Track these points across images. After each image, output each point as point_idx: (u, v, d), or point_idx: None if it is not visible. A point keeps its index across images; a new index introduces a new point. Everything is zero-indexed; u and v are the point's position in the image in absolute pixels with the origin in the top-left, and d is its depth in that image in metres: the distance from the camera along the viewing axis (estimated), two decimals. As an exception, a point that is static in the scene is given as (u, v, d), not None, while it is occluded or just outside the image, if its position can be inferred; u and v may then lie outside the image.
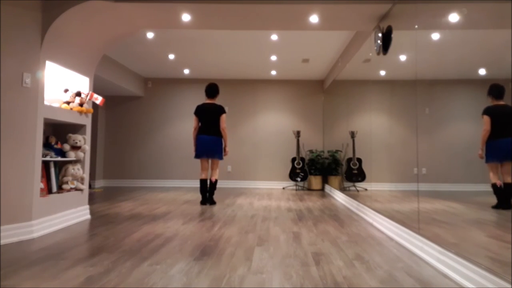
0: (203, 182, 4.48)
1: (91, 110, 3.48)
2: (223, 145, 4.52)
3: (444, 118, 2.08)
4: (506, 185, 1.75)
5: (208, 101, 4.54)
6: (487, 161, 1.99)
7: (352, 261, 2.16)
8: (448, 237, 1.99)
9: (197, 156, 4.43)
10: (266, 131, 7.08)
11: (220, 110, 4.47)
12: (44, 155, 2.96)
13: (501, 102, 1.80)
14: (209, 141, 4.38)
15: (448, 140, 2.04)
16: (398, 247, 2.50)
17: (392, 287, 1.74)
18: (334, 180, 5.88)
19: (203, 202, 4.52)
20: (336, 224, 3.31)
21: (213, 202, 4.53)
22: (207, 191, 4.49)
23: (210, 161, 4.54)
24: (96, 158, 6.78)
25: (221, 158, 4.48)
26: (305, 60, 5.77)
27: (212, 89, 4.53)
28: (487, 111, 1.94)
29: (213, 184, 4.49)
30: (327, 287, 1.73)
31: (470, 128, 1.82)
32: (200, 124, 4.49)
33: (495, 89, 1.86)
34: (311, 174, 6.62)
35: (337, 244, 2.57)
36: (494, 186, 1.97)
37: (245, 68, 6.37)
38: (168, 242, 2.56)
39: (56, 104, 3.22)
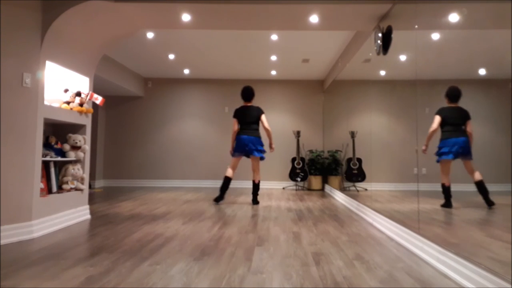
0: (228, 179, 4.55)
1: (91, 110, 3.48)
2: (269, 143, 4.74)
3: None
4: (477, 183, 1.79)
5: (245, 104, 4.72)
6: (438, 160, 2.07)
7: (352, 261, 2.16)
8: (448, 237, 1.99)
9: (235, 153, 4.58)
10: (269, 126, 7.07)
11: (260, 111, 4.67)
12: (44, 155, 2.96)
13: (455, 104, 1.88)
14: (249, 140, 4.53)
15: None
16: (398, 247, 2.50)
17: (392, 287, 1.74)
18: (334, 180, 5.88)
19: (219, 199, 4.55)
20: (336, 224, 3.31)
21: (257, 202, 4.63)
22: (227, 190, 4.55)
23: (251, 162, 4.65)
24: (96, 158, 6.78)
25: (260, 156, 4.58)
26: (305, 60, 5.77)
27: (249, 93, 4.70)
28: (438, 111, 2.04)
29: (257, 185, 4.63)
30: (327, 287, 1.73)
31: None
32: (239, 125, 4.65)
33: (451, 92, 1.95)
34: (311, 174, 6.62)
35: (337, 244, 2.57)
36: (443, 186, 2.04)
37: (245, 68, 6.36)
38: (168, 242, 2.56)
39: (56, 104, 3.22)
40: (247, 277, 1.86)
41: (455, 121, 1.94)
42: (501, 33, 1.55)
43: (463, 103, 1.87)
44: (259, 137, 4.60)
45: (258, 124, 4.65)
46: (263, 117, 4.66)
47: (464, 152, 1.87)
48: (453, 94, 1.96)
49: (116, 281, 1.77)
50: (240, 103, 7.12)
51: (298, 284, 1.77)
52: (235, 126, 4.65)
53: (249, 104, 4.71)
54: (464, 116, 1.84)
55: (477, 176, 1.77)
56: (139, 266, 2.01)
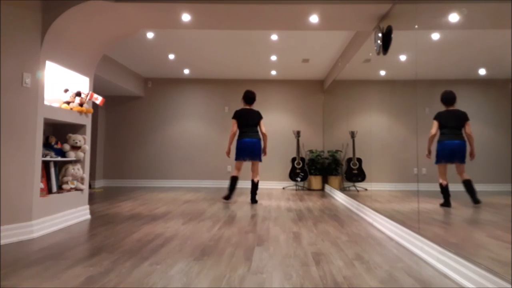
0: (235, 179, 4.64)
1: (91, 110, 3.48)
2: (263, 147, 4.82)
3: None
4: (465, 181, 1.83)
5: (246, 106, 4.79)
6: (436, 162, 2.11)
7: (352, 261, 2.16)
8: (448, 237, 1.99)
9: (238, 158, 4.63)
10: (266, 131, 7.07)
11: (260, 115, 4.77)
12: (44, 155, 2.96)
13: (451, 108, 1.93)
14: (252, 144, 4.61)
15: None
16: (398, 247, 2.50)
17: (392, 287, 1.74)
18: (334, 180, 5.88)
19: (228, 197, 4.68)
20: (336, 224, 3.31)
21: (255, 201, 4.71)
22: (235, 189, 4.64)
23: (251, 163, 4.76)
24: (96, 158, 6.78)
25: (261, 160, 4.72)
26: (305, 60, 5.77)
27: (252, 97, 4.79)
28: (436, 116, 2.10)
29: (256, 185, 4.71)
30: (327, 287, 1.73)
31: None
32: (239, 128, 4.71)
33: (445, 96, 2.01)
34: (311, 174, 6.62)
35: (337, 244, 2.57)
36: (441, 186, 2.08)
37: (245, 68, 6.36)
38: (168, 242, 2.56)
39: (56, 104, 3.22)
40: (247, 277, 1.86)
41: (450, 124, 1.99)
42: (501, 33, 1.55)
43: (463, 103, 1.87)
44: (260, 139, 4.70)
45: (257, 127, 4.74)
46: (262, 122, 4.78)
47: (457, 155, 1.91)
48: (448, 98, 2.01)
49: (116, 281, 1.77)
50: (241, 102, 7.12)
51: (298, 284, 1.77)
52: (234, 127, 4.70)
53: (250, 107, 4.78)
54: (461, 119, 1.88)
55: (465, 176, 1.82)
56: (139, 266, 2.01)
